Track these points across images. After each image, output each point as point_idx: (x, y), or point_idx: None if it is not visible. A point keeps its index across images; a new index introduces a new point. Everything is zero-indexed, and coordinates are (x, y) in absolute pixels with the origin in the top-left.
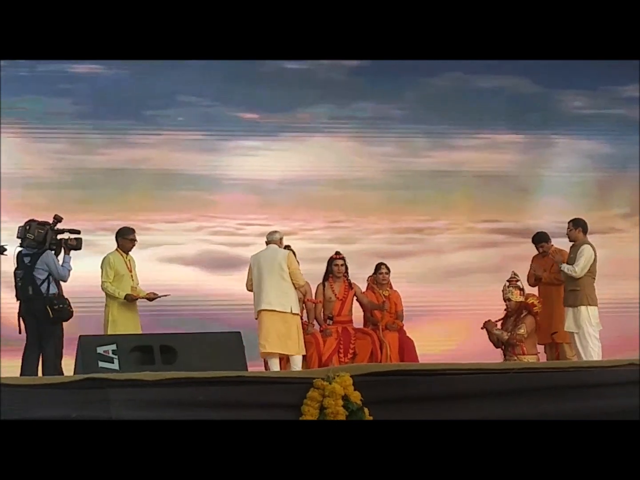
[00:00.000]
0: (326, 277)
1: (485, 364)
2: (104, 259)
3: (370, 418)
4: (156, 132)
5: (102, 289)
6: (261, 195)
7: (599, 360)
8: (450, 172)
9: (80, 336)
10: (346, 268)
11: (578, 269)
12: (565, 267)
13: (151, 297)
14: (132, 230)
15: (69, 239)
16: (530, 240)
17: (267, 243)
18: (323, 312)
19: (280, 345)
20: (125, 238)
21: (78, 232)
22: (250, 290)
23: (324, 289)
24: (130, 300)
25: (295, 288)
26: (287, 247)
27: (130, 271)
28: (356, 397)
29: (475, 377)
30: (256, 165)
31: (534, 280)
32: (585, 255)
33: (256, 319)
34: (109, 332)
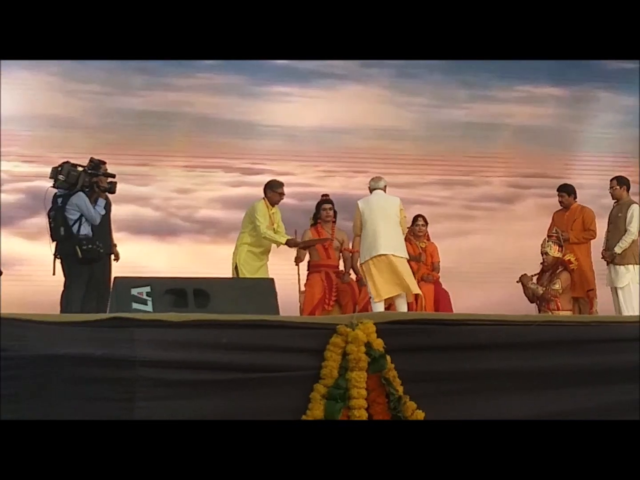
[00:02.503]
0: None
1: (508, 316)
2: (253, 206)
3: (393, 365)
4: (191, 75)
5: (262, 234)
6: (292, 142)
7: (624, 316)
8: (488, 125)
9: (114, 277)
10: None
11: (635, 230)
12: (621, 243)
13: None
14: (281, 184)
15: (102, 181)
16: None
17: (372, 190)
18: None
19: (402, 286)
20: (275, 191)
21: (113, 175)
22: (357, 235)
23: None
24: (291, 246)
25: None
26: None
27: (273, 224)
28: (379, 344)
29: (498, 328)
30: (288, 111)
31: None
32: (637, 215)
33: (362, 264)
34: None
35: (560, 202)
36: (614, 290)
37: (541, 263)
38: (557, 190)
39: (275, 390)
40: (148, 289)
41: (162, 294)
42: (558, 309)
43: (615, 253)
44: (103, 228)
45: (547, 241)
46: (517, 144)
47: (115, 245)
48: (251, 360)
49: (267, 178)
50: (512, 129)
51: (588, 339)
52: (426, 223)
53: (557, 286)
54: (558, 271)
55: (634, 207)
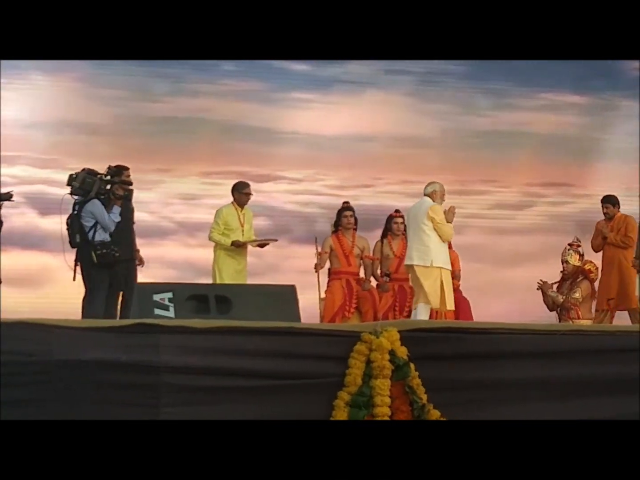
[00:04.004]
0: (384, 235)
1: (532, 325)
2: (217, 210)
3: (416, 373)
4: (213, 81)
5: (209, 238)
6: (314, 150)
7: None
8: (510, 133)
9: (137, 283)
10: (405, 226)
11: None
12: None
13: (261, 244)
14: (247, 185)
15: (117, 189)
16: (590, 203)
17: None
18: (380, 269)
19: (419, 296)
20: (241, 192)
21: (130, 183)
22: None
23: (382, 246)
24: (237, 246)
25: (443, 241)
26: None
27: (242, 225)
28: (403, 352)
29: (522, 337)
30: (310, 118)
31: (599, 242)
32: None
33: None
34: (217, 282)
35: (604, 213)
36: None
37: (561, 271)
38: (602, 201)
39: (299, 397)
40: (170, 294)
41: (184, 300)
42: (578, 318)
43: None
44: (123, 234)
45: (568, 250)
46: (539, 152)
47: (138, 251)
48: (275, 367)
49: (284, 186)
50: (534, 137)
51: (612, 349)
52: None
53: (577, 295)
54: (578, 280)
55: None
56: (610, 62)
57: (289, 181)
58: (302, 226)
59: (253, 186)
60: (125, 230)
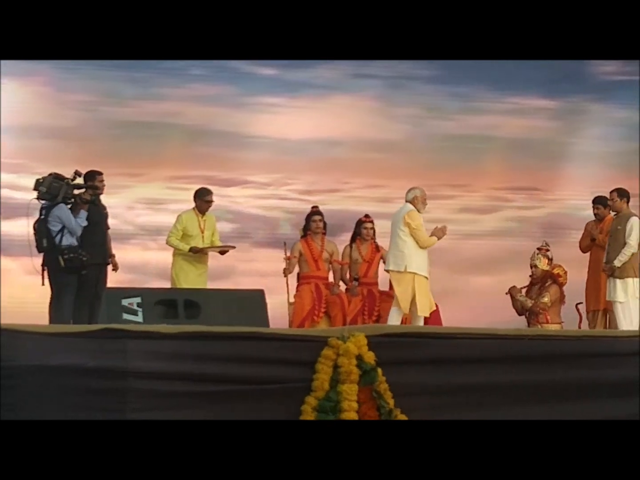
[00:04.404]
0: (353, 239)
1: (499, 330)
2: (178, 215)
3: (384, 378)
4: (181, 86)
5: (167, 242)
6: (281, 154)
7: (612, 330)
8: (478, 137)
9: (103, 288)
10: (374, 231)
11: (634, 243)
12: (620, 256)
13: (221, 250)
14: (209, 192)
15: (84, 194)
16: (558, 207)
17: None
18: (349, 273)
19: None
20: (202, 199)
21: (96, 187)
22: None
23: (350, 251)
24: (194, 252)
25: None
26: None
27: (203, 232)
28: (370, 357)
29: (490, 342)
30: (278, 123)
31: (587, 243)
32: (636, 228)
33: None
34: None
35: (595, 214)
36: (614, 304)
37: (530, 276)
38: (593, 202)
39: (266, 402)
40: (139, 299)
41: (152, 304)
42: (547, 322)
43: (615, 266)
44: (95, 238)
45: (537, 254)
46: (507, 156)
47: (113, 256)
48: (242, 372)
49: (251, 190)
50: (502, 141)
51: (579, 353)
52: None
53: (546, 299)
54: (547, 284)
55: (634, 219)
56: (578, 66)
57: (255, 185)
58: (267, 230)
59: (219, 190)
60: (97, 234)
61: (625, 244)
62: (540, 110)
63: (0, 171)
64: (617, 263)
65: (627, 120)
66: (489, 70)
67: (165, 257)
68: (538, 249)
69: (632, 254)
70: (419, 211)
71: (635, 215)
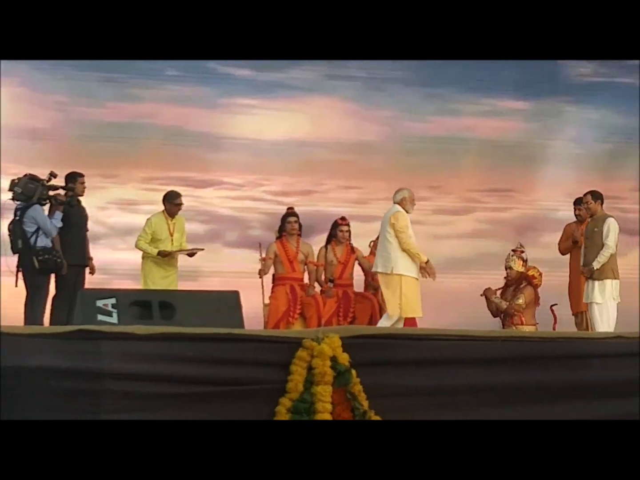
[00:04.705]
0: (329, 241)
1: (473, 331)
2: (147, 219)
3: (358, 380)
4: (157, 86)
5: (135, 246)
6: (257, 155)
7: (586, 332)
8: (454, 138)
9: (79, 290)
10: (350, 233)
11: (612, 244)
12: (599, 258)
13: (189, 253)
14: (178, 195)
15: (59, 195)
16: (532, 209)
17: None
18: (324, 274)
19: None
20: (172, 202)
21: (72, 189)
22: None
23: (326, 252)
24: (163, 256)
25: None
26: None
27: (172, 235)
28: (344, 358)
29: (465, 344)
30: (253, 124)
31: (568, 245)
32: (613, 229)
33: None
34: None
35: (577, 215)
36: (591, 305)
37: (505, 277)
38: (574, 203)
39: (241, 404)
40: (113, 300)
41: (127, 305)
42: (522, 324)
43: (594, 268)
44: (75, 240)
45: (512, 255)
46: (482, 157)
47: (91, 259)
48: (217, 373)
49: (225, 192)
50: (477, 142)
51: (554, 355)
52: None
53: (520, 301)
54: (522, 286)
55: (610, 220)
56: (553, 68)
57: (230, 187)
58: (240, 231)
59: (194, 192)
60: (77, 236)
61: (603, 245)
62: (515, 112)
63: None
64: (596, 265)
65: (601, 122)
66: (464, 72)
67: (134, 257)
68: (513, 250)
69: (611, 255)
70: (407, 212)
71: (611, 217)
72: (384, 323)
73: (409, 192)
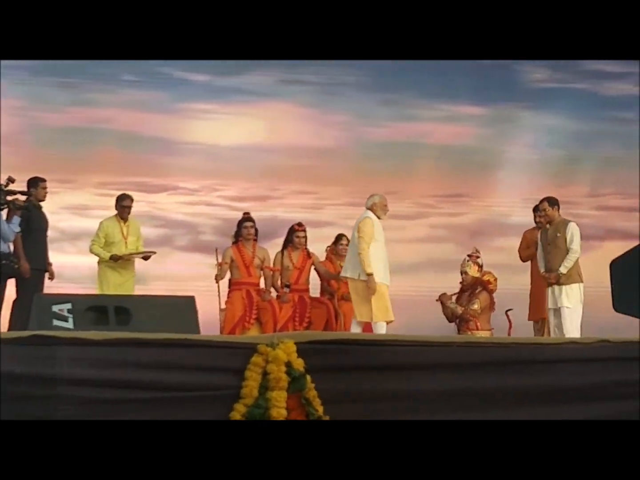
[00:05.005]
0: (285, 246)
1: (428, 337)
2: (99, 223)
3: (313, 385)
4: (113, 91)
5: (89, 250)
6: (213, 161)
7: (542, 337)
8: (410, 144)
9: (35, 294)
10: (306, 239)
11: (578, 248)
12: (566, 263)
13: (144, 256)
14: (125, 197)
15: (17, 200)
16: (487, 214)
17: None
18: (280, 280)
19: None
20: (118, 204)
21: (29, 194)
22: None
23: (282, 258)
24: (115, 259)
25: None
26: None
27: (126, 238)
28: (299, 364)
29: (419, 349)
30: (209, 129)
31: (530, 252)
32: (577, 233)
33: None
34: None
35: (537, 222)
36: (558, 310)
37: (460, 282)
38: (534, 210)
39: (195, 410)
40: (69, 305)
41: (83, 311)
42: (477, 329)
43: (561, 273)
44: (38, 244)
45: (467, 261)
46: (438, 163)
47: (50, 264)
48: (172, 379)
49: (180, 197)
50: (433, 148)
51: (509, 360)
52: (349, 242)
53: (476, 306)
54: (477, 291)
55: (572, 225)
56: (508, 73)
57: (185, 191)
58: (194, 236)
59: (149, 197)
60: (39, 241)
61: (567, 250)
62: (471, 117)
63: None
64: (563, 270)
65: (556, 128)
66: (419, 77)
67: (85, 262)
68: (468, 255)
69: (577, 259)
70: (379, 217)
71: (572, 221)
72: (353, 329)
73: (379, 198)
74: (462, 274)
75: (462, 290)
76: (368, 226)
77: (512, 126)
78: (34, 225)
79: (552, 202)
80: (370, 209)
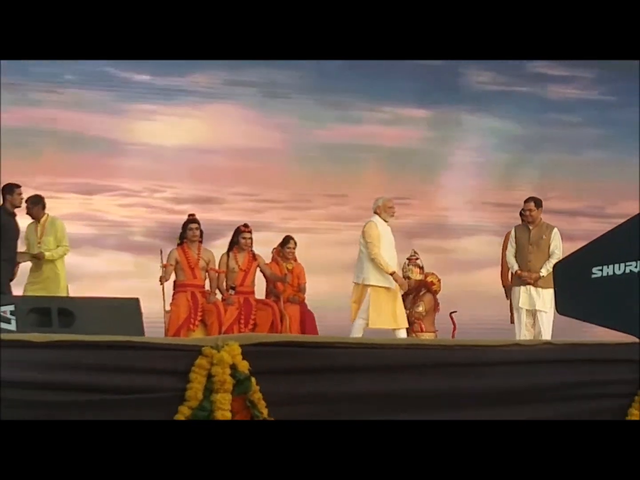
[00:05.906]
0: (231, 248)
1: (374, 339)
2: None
3: (257, 388)
4: (55, 91)
5: None
6: (155, 161)
7: (485, 340)
8: (354, 146)
9: None
10: (252, 241)
11: (560, 253)
12: (548, 266)
13: (35, 256)
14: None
15: None
16: (428, 216)
17: None
18: (226, 282)
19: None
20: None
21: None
22: None
23: (227, 259)
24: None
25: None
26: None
27: (40, 238)
28: (244, 366)
29: (365, 351)
30: (152, 130)
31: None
32: (559, 239)
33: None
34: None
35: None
36: (531, 312)
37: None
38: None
39: (139, 412)
40: (12, 307)
41: (26, 312)
42: (422, 331)
43: (542, 275)
44: (10, 253)
45: (408, 265)
46: (383, 165)
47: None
48: (115, 381)
49: (124, 199)
50: (378, 150)
51: (453, 362)
52: (296, 245)
53: (420, 308)
54: (421, 293)
55: (556, 230)
56: (452, 77)
57: (127, 192)
58: (134, 237)
59: (90, 198)
60: (11, 249)
61: (549, 254)
62: (415, 120)
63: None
64: (544, 272)
65: (501, 131)
66: (363, 79)
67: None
68: (408, 259)
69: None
70: (384, 220)
71: (555, 227)
72: (355, 330)
73: (382, 201)
74: (405, 279)
75: (406, 293)
76: (373, 229)
77: (457, 129)
78: (9, 235)
79: (538, 203)
80: (375, 212)
